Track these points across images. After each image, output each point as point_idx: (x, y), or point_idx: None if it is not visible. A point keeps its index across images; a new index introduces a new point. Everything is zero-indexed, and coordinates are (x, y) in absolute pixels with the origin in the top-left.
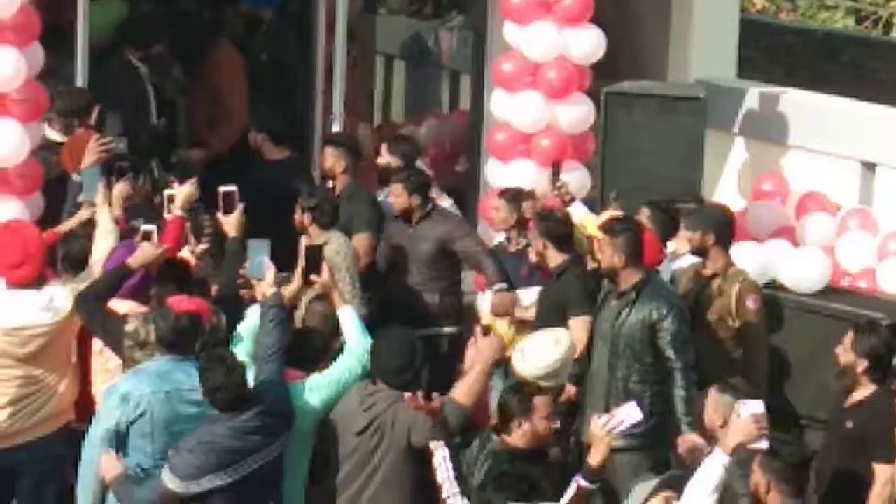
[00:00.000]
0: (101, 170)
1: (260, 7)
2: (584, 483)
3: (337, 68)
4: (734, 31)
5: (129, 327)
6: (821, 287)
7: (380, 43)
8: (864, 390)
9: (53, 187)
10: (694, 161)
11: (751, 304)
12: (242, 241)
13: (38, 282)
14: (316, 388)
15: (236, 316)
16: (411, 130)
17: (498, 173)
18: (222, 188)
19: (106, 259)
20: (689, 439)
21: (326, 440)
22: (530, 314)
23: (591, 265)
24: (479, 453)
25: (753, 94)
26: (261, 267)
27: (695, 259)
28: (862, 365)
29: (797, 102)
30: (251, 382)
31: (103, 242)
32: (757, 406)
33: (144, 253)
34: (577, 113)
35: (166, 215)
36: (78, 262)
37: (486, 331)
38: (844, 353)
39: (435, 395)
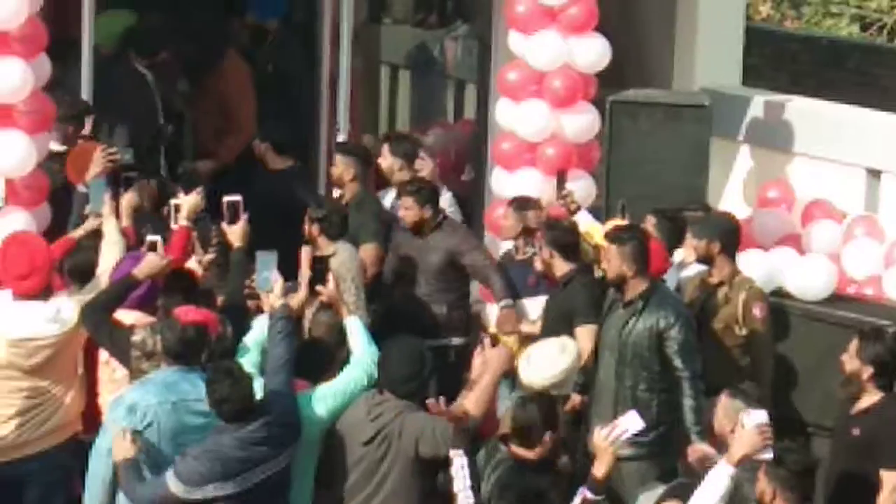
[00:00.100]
0: (107, 180)
1: (266, 18)
2: (589, 495)
3: (342, 78)
4: (739, 38)
5: (136, 338)
6: (827, 295)
7: (385, 53)
8: (871, 397)
9: (60, 198)
10: (699, 169)
11: (757, 311)
12: (247, 250)
13: (44, 293)
14: (322, 398)
15: (242, 326)
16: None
17: (503, 182)
18: (226, 198)
19: (112, 270)
20: (699, 449)
21: (333, 448)
22: (536, 328)
23: (597, 274)
24: (486, 463)
25: (758, 102)
26: (269, 280)
27: (701, 267)
28: (867, 372)
29: (802, 110)
30: (258, 393)
31: (109, 253)
32: (761, 416)
33: (150, 263)
34: (583, 122)
35: (173, 225)
36: (83, 274)
37: (495, 341)
38: (850, 360)
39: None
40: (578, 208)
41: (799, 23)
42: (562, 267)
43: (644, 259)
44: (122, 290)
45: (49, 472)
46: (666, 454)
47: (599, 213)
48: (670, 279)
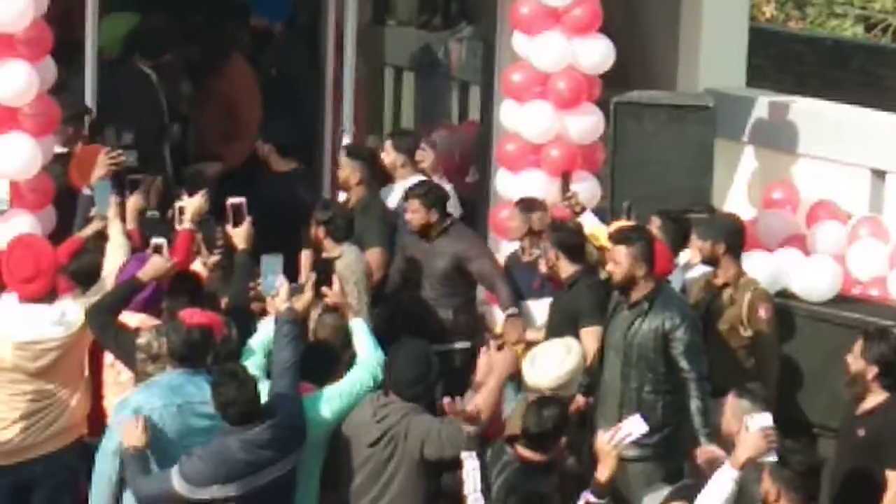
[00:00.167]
0: (112, 183)
1: (270, 20)
2: (592, 499)
3: (346, 80)
4: (743, 39)
5: (141, 340)
6: (832, 295)
7: (389, 54)
8: (876, 398)
9: (64, 201)
10: (704, 170)
11: (762, 313)
12: (252, 252)
13: (49, 296)
14: (327, 400)
15: (246, 328)
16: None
17: (508, 184)
18: (230, 200)
19: (117, 272)
20: (708, 450)
21: (338, 450)
22: (541, 336)
23: (602, 276)
24: (492, 465)
25: (763, 103)
26: (274, 283)
27: (706, 268)
28: (872, 372)
29: (807, 111)
30: (264, 396)
31: (114, 256)
32: (765, 419)
33: (154, 266)
34: (587, 123)
35: (178, 227)
36: (87, 276)
37: (500, 345)
38: (854, 360)
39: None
40: (583, 209)
41: (803, 23)
42: (567, 268)
43: (651, 260)
44: (126, 293)
45: (55, 474)
46: (671, 456)
47: (604, 214)
48: (675, 280)
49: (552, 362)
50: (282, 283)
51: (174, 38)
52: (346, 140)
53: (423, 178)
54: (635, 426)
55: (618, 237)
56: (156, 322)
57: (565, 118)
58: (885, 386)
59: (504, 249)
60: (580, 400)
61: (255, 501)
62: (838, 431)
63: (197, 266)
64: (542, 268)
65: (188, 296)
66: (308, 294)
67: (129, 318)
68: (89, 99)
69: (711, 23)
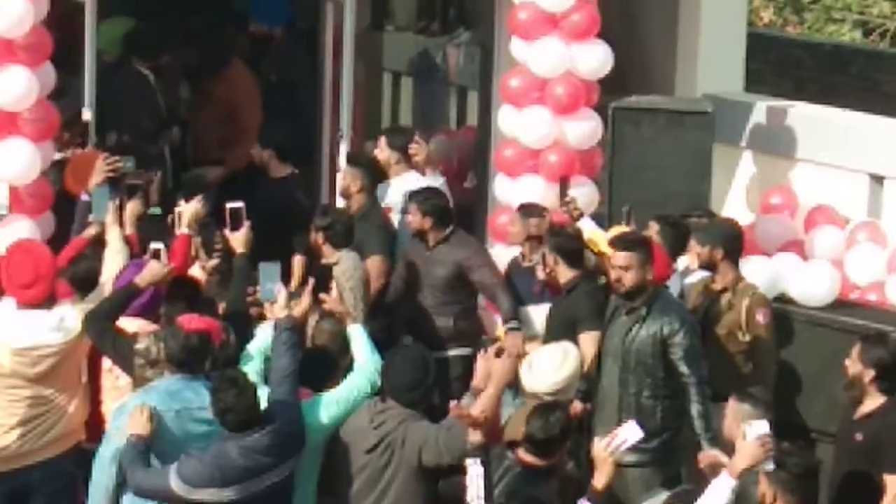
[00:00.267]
0: (110, 188)
1: (270, 25)
2: None
3: (345, 85)
4: (741, 44)
5: (140, 345)
6: (830, 300)
7: (387, 60)
8: (873, 402)
9: (62, 206)
10: (702, 175)
11: (761, 318)
12: (250, 257)
13: (48, 301)
14: (325, 406)
15: (245, 333)
16: None
17: (506, 189)
18: (229, 205)
19: (115, 278)
20: (710, 455)
21: (336, 456)
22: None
23: (600, 281)
24: (494, 470)
25: (761, 108)
26: (272, 291)
27: (704, 274)
28: (869, 375)
29: (805, 116)
30: (263, 402)
31: (113, 262)
32: (762, 428)
33: (152, 271)
34: (585, 128)
35: (177, 231)
36: (84, 282)
37: (499, 352)
38: (852, 363)
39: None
40: (581, 215)
41: (801, 28)
42: (566, 274)
43: (653, 265)
44: (124, 298)
45: (53, 480)
46: (670, 461)
47: (602, 219)
48: (673, 286)
49: (550, 367)
50: (279, 290)
51: (172, 40)
52: (345, 145)
53: (416, 174)
54: (631, 433)
55: (625, 243)
56: (154, 327)
57: (563, 123)
58: (882, 389)
59: (502, 254)
60: (577, 406)
61: None
62: (836, 436)
63: (195, 270)
64: (540, 274)
65: (186, 301)
66: (306, 300)
67: (128, 323)
68: (88, 103)
69: (709, 28)
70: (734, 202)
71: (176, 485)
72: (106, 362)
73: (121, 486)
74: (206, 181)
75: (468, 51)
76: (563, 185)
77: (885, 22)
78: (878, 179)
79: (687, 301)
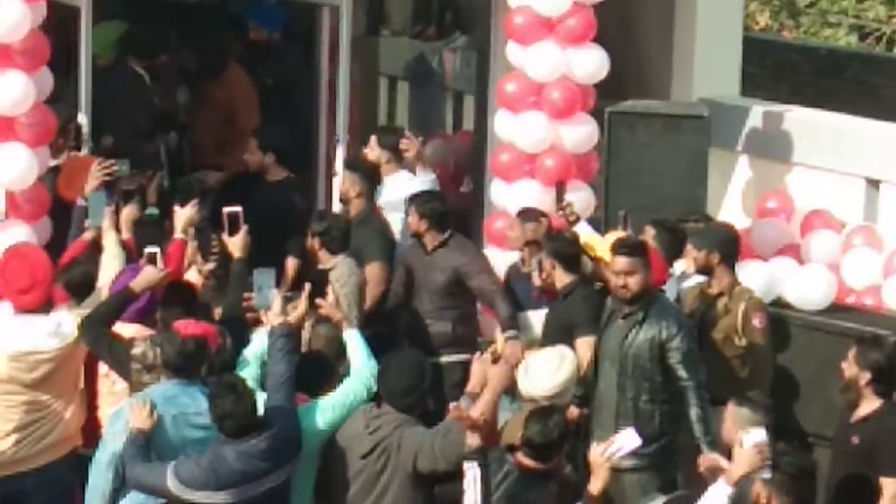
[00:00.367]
0: (106, 193)
1: (266, 29)
2: None
3: (341, 90)
4: (737, 49)
5: (136, 350)
6: (826, 305)
7: (384, 64)
8: (870, 405)
9: (58, 212)
10: (698, 180)
11: (757, 322)
12: (248, 262)
13: (45, 307)
14: (321, 411)
15: (241, 338)
16: None
17: (502, 194)
18: (227, 209)
19: (111, 282)
20: (710, 458)
21: (332, 460)
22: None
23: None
24: (493, 474)
25: (757, 112)
26: (267, 297)
27: (700, 278)
28: (865, 377)
29: (801, 120)
30: (260, 407)
31: (110, 267)
32: (759, 436)
33: (147, 276)
34: (581, 133)
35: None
36: (79, 288)
37: (496, 358)
38: (848, 366)
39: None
40: (578, 219)
41: (797, 33)
42: (563, 278)
43: (650, 270)
44: (120, 303)
45: (49, 486)
46: (667, 466)
47: (598, 224)
48: (670, 290)
49: (546, 371)
50: (275, 297)
51: (167, 41)
52: (341, 149)
53: (407, 173)
54: (628, 440)
55: (629, 249)
56: (150, 332)
57: (559, 128)
58: (878, 392)
59: (498, 259)
60: (574, 411)
61: None
62: (833, 439)
63: (192, 275)
64: (536, 280)
65: (182, 306)
66: (302, 306)
67: (124, 328)
68: (83, 108)
69: (705, 32)
70: (730, 206)
71: (172, 484)
72: (102, 367)
73: (117, 492)
74: (204, 185)
75: (464, 55)
76: (560, 189)
77: (880, 26)
78: (874, 183)
79: (683, 305)
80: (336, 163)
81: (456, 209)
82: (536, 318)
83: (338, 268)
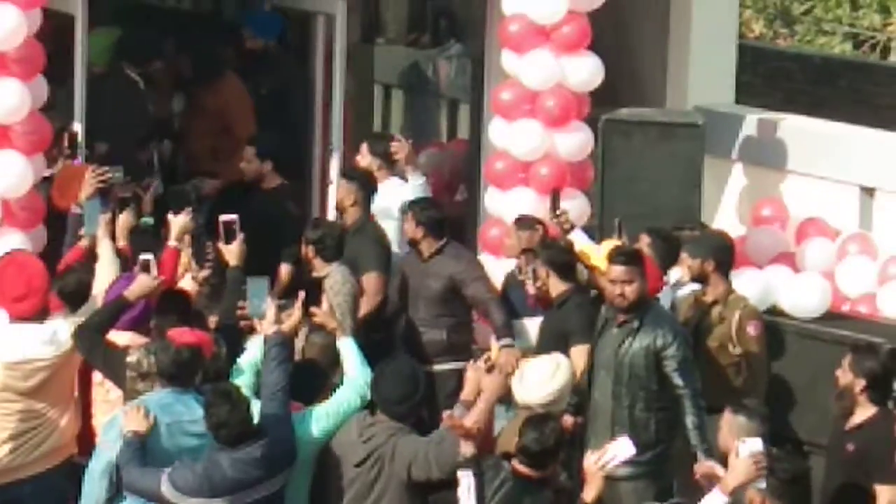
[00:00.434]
0: (101, 201)
1: (263, 37)
2: None
3: (335, 98)
4: (732, 57)
5: (131, 358)
6: (821, 312)
7: (378, 72)
8: (864, 412)
9: (54, 220)
10: (693, 188)
11: (752, 330)
12: (243, 269)
13: (40, 315)
14: (316, 419)
15: (236, 346)
16: None
17: (497, 202)
18: (222, 217)
19: (106, 291)
20: (706, 465)
21: (327, 468)
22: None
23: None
24: (490, 481)
25: (752, 120)
26: (261, 307)
27: (695, 286)
28: (859, 385)
29: (795, 128)
30: (255, 416)
31: (105, 275)
32: (755, 445)
33: (141, 285)
34: (576, 141)
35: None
36: (73, 296)
37: (490, 366)
38: (843, 374)
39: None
40: (572, 227)
41: (791, 41)
42: (558, 286)
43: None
44: (114, 312)
45: (45, 494)
46: (662, 474)
47: (593, 232)
48: (665, 298)
49: (541, 379)
50: (269, 306)
51: (162, 47)
52: (336, 158)
53: (398, 180)
54: (623, 448)
55: (626, 257)
56: (144, 340)
57: (554, 136)
58: (873, 400)
59: (493, 267)
60: (568, 420)
61: None
62: (827, 447)
63: (186, 282)
64: (530, 289)
65: (177, 314)
66: (296, 314)
67: (118, 336)
68: (77, 116)
69: (700, 40)
70: (725, 214)
71: (167, 490)
72: (97, 375)
73: (111, 500)
74: (200, 192)
75: (459, 63)
76: (554, 197)
77: (875, 34)
78: (868, 191)
79: (678, 313)
80: (330, 171)
81: (450, 217)
82: (532, 326)
83: (332, 276)
